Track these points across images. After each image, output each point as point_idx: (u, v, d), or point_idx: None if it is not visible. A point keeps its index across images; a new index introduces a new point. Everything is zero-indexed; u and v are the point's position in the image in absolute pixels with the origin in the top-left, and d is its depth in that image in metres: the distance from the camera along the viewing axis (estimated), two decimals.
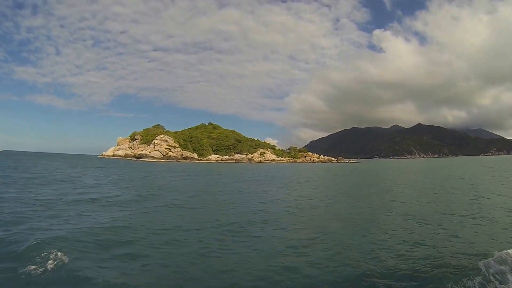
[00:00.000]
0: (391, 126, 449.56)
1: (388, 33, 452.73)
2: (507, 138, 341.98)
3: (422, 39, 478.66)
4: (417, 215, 12.50)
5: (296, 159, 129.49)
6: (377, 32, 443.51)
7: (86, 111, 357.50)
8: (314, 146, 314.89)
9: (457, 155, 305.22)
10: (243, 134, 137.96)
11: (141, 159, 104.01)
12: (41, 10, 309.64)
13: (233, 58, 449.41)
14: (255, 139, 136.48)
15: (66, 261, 6.57)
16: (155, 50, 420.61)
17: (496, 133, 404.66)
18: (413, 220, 11.77)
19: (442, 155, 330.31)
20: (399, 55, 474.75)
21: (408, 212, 13.38)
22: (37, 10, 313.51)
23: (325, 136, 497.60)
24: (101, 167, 50.09)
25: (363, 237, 9.25)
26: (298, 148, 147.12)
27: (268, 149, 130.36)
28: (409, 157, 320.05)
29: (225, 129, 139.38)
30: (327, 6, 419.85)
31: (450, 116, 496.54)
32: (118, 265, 6.77)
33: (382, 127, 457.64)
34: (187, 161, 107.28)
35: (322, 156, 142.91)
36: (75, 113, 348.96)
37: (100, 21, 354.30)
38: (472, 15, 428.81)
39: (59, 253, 6.85)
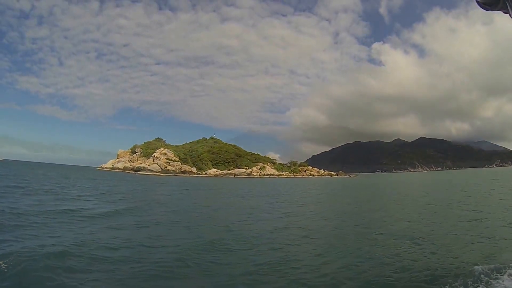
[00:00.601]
0: (394, 140, 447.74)
1: (387, 46, 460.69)
2: (511, 149, 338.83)
3: (421, 51, 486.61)
4: (406, 235, 11.49)
5: (296, 174, 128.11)
6: (376, 45, 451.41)
7: (88, 123, 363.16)
8: (316, 160, 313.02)
9: (460, 168, 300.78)
10: (243, 149, 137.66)
11: (138, 172, 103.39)
12: (46, 21, 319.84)
13: (235, 72, 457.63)
14: (256, 153, 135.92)
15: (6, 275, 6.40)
16: (157, 63, 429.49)
17: (499, 145, 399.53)
18: (399, 240, 10.78)
19: (446, 168, 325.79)
20: (398, 68, 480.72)
21: (397, 231, 12.36)
22: (42, 21, 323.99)
23: (327, 150, 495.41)
24: (93, 179, 49.55)
25: (334, 262, 8.32)
26: (298, 163, 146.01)
27: (268, 163, 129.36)
28: (412, 170, 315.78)
29: (226, 144, 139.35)
30: (326, 20, 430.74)
31: (453, 129, 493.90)
32: (55, 279, 6.39)
33: (385, 140, 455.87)
34: (185, 175, 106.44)
35: (322, 170, 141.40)
36: (78, 124, 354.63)
37: (104, 34, 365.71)
38: (469, 27, 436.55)
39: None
